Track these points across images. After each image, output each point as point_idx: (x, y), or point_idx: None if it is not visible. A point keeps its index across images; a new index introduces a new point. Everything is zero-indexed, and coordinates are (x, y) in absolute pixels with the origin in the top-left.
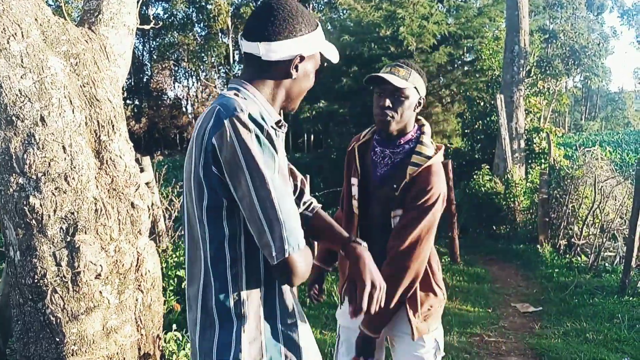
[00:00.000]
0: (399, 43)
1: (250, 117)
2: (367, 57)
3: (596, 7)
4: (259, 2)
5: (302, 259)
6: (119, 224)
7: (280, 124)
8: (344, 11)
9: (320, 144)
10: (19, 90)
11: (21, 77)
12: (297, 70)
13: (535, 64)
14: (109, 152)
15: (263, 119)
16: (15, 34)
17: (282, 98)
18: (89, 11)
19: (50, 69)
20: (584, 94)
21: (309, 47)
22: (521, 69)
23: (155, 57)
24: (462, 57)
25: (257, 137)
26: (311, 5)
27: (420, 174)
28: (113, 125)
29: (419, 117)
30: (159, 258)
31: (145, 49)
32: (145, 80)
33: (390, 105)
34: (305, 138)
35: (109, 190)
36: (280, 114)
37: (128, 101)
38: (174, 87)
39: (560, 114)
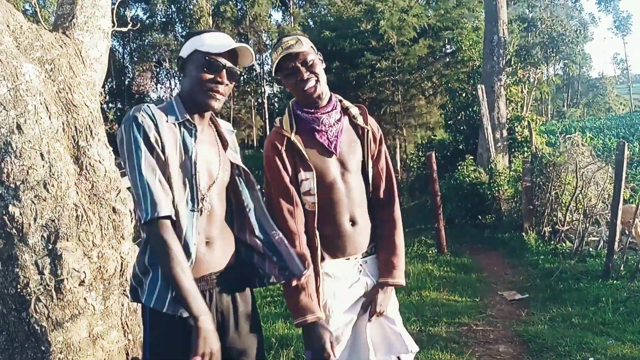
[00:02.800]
0: (379, 37)
1: (147, 113)
2: (348, 52)
3: None
4: (239, 1)
5: (163, 229)
6: (101, 230)
7: (186, 122)
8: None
9: None
10: None
11: None
12: (182, 70)
13: (514, 53)
14: (88, 157)
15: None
16: None
17: (185, 95)
18: (63, 16)
19: (24, 76)
20: (564, 81)
21: (187, 49)
22: (501, 59)
23: (136, 59)
24: (443, 48)
25: (139, 126)
26: (292, 2)
27: (368, 121)
28: (91, 130)
29: None
30: None
31: (125, 51)
32: (127, 82)
33: (308, 72)
34: None
35: (89, 196)
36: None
37: (110, 104)
38: (157, 88)
39: (542, 102)
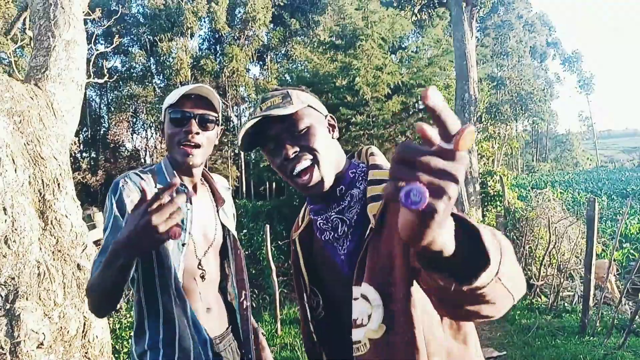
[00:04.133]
0: (354, 93)
1: (130, 179)
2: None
3: (539, 54)
4: (218, 56)
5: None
6: (64, 288)
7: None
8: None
9: (282, 190)
10: None
11: None
12: (162, 135)
13: (485, 110)
14: (54, 211)
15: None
16: None
17: (170, 157)
18: (36, 67)
19: None
20: (533, 136)
21: (163, 114)
22: (472, 116)
23: (112, 109)
24: (416, 104)
25: (116, 191)
26: (269, 57)
27: (391, 203)
28: (59, 184)
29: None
30: (111, 320)
31: (102, 101)
32: (102, 132)
33: (298, 149)
34: (267, 186)
35: (53, 252)
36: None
37: (84, 154)
38: (132, 138)
39: (512, 156)
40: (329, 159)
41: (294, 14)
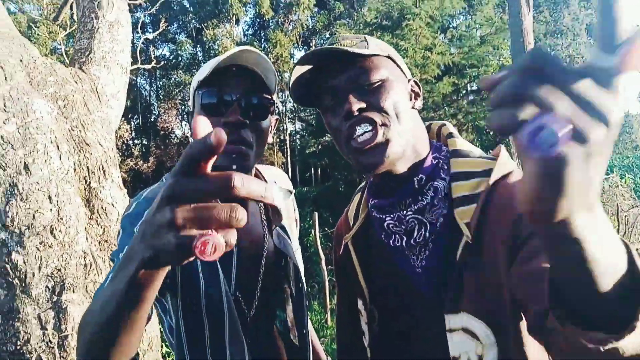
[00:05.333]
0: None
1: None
2: None
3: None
4: (262, 42)
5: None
6: None
7: None
8: None
9: (327, 176)
10: (1, 136)
11: (3, 123)
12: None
13: None
14: (100, 200)
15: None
16: None
17: None
18: (80, 50)
19: (35, 113)
20: None
21: (190, 99)
22: None
23: (161, 96)
24: (468, 86)
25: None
26: (314, 41)
27: (490, 208)
28: (104, 171)
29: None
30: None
31: (152, 89)
32: (152, 119)
33: (364, 104)
34: (312, 172)
35: (99, 242)
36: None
37: (136, 141)
38: (182, 125)
39: None
40: (405, 130)
41: None
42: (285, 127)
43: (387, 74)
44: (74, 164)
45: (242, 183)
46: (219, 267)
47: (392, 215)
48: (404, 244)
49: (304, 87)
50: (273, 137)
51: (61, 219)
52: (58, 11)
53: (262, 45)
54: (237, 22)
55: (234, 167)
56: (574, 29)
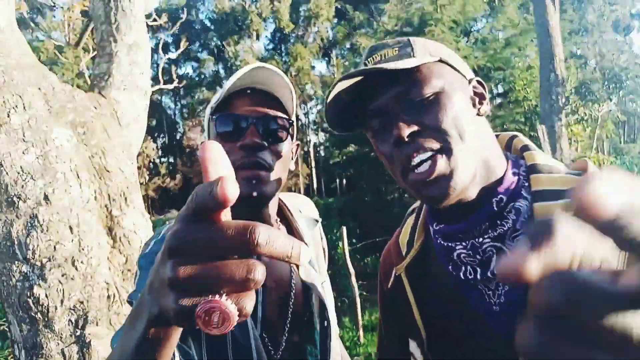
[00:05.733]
0: None
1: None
2: None
3: (622, 28)
4: (283, 55)
5: None
6: None
7: None
8: None
9: (353, 186)
10: (21, 167)
11: (23, 153)
12: None
13: (573, 90)
14: (122, 227)
15: None
16: (17, 106)
17: None
18: (99, 75)
19: (54, 141)
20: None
21: (205, 125)
22: (560, 97)
23: (186, 115)
24: (494, 89)
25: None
26: (334, 52)
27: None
28: (126, 198)
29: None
30: None
31: (176, 107)
32: (178, 137)
33: (417, 127)
34: (337, 182)
35: (122, 272)
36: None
37: (163, 159)
38: None
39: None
40: (472, 149)
41: (357, 6)
42: (308, 139)
43: (442, 83)
44: (95, 191)
45: (267, 240)
46: None
47: (464, 244)
48: (477, 276)
49: (343, 112)
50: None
51: (82, 249)
52: (80, 36)
53: (283, 59)
54: (258, 37)
55: (254, 194)
56: (599, 25)
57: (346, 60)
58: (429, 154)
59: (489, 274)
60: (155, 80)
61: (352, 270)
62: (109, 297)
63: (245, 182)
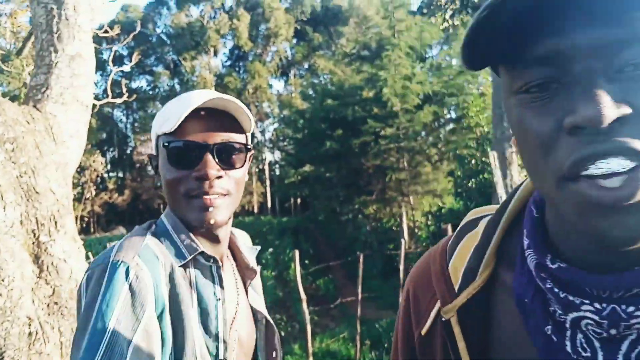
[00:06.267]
0: (382, 104)
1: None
2: (351, 120)
3: None
4: (241, 73)
5: None
6: (61, 348)
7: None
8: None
9: (307, 206)
10: None
11: None
12: (155, 172)
13: None
14: (50, 255)
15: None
16: None
17: (175, 214)
18: (36, 87)
19: None
20: None
21: (153, 138)
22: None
23: (138, 129)
24: (448, 115)
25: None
26: (292, 72)
27: None
28: (56, 222)
29: None
30: None
31: (128, 120)
32: (128, 152)
33: (628, 112)
34: (292, 201)
35: (48, 305)
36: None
37: (111, 173)
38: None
39: None
40: None
41: (316, 27)
42: (264, 157)
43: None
44: (21, 214)
45: None
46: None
47: (598, 306)
48: (598, 356)
49: (497, 35)
50: (251, 167)
51: (2, 280)
52: (22, 45)
53: (241, 77)
54: (216, 53)
55: (211, 222)
56: None
57: (304, 80)
58: (633, 163)
59: (618, 357)
60: (105, 92)
61: (303, 296)
62: (30, 334)
63: (201, 210)
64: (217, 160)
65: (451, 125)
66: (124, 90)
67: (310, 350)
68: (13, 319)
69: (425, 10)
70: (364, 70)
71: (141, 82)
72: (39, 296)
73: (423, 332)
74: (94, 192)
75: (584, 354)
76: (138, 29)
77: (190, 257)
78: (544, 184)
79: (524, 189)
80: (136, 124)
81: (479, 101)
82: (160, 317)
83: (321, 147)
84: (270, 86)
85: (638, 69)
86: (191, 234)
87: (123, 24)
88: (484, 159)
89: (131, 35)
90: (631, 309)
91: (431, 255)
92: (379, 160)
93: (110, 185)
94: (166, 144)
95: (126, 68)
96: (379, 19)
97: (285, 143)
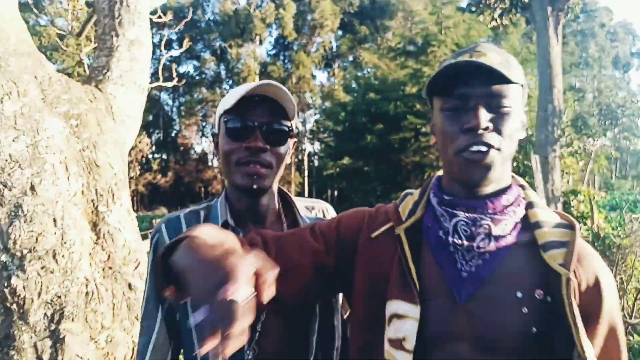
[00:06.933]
0: (424, 101)
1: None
2: (392, 115)
3: (622, 65)
4: (285, 62)
5: None
6: (113, 309)
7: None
8: (369, 70)
9: (344, 198)
10: (9, 155)
11: (13, 140)
12: (215, 147)
13: (569, 123)
14: (107, 224)
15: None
16: (11, 93)
17: (229, 186)
18: (97, 68)
19: (46, 131)
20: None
21: (216, 119)
22: (555, 128)
23: (183, 112)
24: None
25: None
26: (336, 64)
27: (583, 263)
28: (113, 194)
29: None
30: None
31: (174, 104)
32: (173, 134)
33: (491, 125)
34: (329, 193)
35: (103, 269)
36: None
37: (156, 155)
38: (201, 141)
39: (590, 173)
40: (508, 157)
41: (363, 20)
42: (303, 148)
43: (515, 103)
44: (82, 185)
45: None
46: None
47: (468, 215)
48: (464, 241)
49: (439, 79)
50: (291, 157)
51: (65, 243)
52: (82, 26)
53: (285, 66)
54: (261, 42)
55: (254, 186)
56: (600, 60)
57: (347, 73)
58: (487, 148)
59: (474, 245)
60: (155, 76)
61: None
62: (87, 293)
63: (247, 176)
64: (263, 136)
65: None
66: (174, 74)
67: None
68: (73, 278)
69: (473, 8)
70: (409, 66)
71: (188, 67)
72: (96, 260)
73: (373, 235)
74: (138, 172)
75: (458, 241)
76: (190, 15)
77: (222, 223)
78: (448, 156)
79: (432, 179)
80: (182, 108)
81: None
82: None
83: (361, 140)
84: (314, 77)
85: (500, 109)
86: (228, 209)
87: (173, 9)
88: (525, 162)
89: (183, 22)
90: (482, 217)
91: (386, 205)
92: (418, 157)
93: (155, 166)
94: (225, 121)
95: (176, 53)
96: (426, 14)
97: (325, 135)
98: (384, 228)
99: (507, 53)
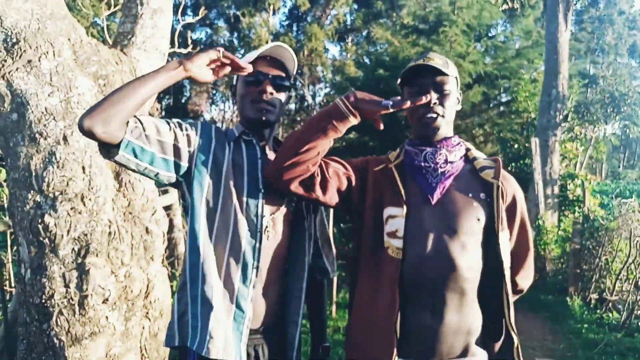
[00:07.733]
0: None
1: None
2: (399, 92)
3: (638, 54)
4: (298, 34)
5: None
6: (132, 249)
7: (244, 135)
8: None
9: None
10: (45, 108)
11: (48, 95)
12: (233, 95)
13: (572, 109)
14: (128, 174)
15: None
16: (47, 52)
17: (241, 119)
18: (123, 33)
19: (77, 89)
20: (622, 141)
21: (235, 76)
22: (558, 113)
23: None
24: (497, 97)
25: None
26: (350, 38)
27: (505, 179)
28: None
29: None
30: (173, 284)
31: None
32: (183, 101)
33: (437, 101)
34: None
35: (124, 214)
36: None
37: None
38: (210, 109)
39: (597, 161)
40: (450, 121)
41: None
42: None
43: (451, 87)
44: None
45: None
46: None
47: (431, 149)
48: (430, 163)
49: (407, 75)
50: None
51: (92, 188)
52: None
53: (297, 38)
54: (274, 12)
55: (264, 118)
56: (616, 48)
57: (360, 48)
58: (436, 115)
59: (438, 166)
60: (170, 42)
61: (333, 249)
62: (109, 233)
63: (259, 111)
64: (271, 84)
65: (501, 108)
66: (189, 41)
67: (334, 299)
68: (98, 220)
69: None
70: (420, 44)
71: (201, 34)
72: (118, 205)
73: (375, 169)
74: None
75: (427, 165)
76: None
77: (238, 134)
78: (414, 121)
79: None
80: None
81: (529, 87)
82: (197, 156)
83: None
84: (326, 50)
85: (443, 92)
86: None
87: None
88: (526, 144)
89: None
90: (437, 151)
91: (376, 157)
92: None
93: None
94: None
95: (192, 20)
96: None
97: None
98: (381, 166)
99: (445, 57)
